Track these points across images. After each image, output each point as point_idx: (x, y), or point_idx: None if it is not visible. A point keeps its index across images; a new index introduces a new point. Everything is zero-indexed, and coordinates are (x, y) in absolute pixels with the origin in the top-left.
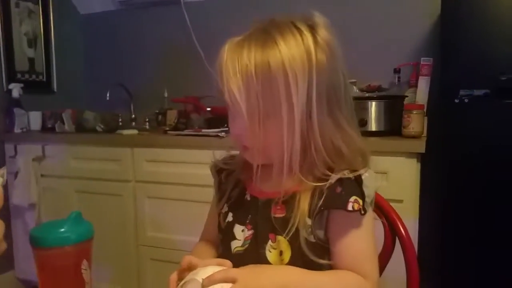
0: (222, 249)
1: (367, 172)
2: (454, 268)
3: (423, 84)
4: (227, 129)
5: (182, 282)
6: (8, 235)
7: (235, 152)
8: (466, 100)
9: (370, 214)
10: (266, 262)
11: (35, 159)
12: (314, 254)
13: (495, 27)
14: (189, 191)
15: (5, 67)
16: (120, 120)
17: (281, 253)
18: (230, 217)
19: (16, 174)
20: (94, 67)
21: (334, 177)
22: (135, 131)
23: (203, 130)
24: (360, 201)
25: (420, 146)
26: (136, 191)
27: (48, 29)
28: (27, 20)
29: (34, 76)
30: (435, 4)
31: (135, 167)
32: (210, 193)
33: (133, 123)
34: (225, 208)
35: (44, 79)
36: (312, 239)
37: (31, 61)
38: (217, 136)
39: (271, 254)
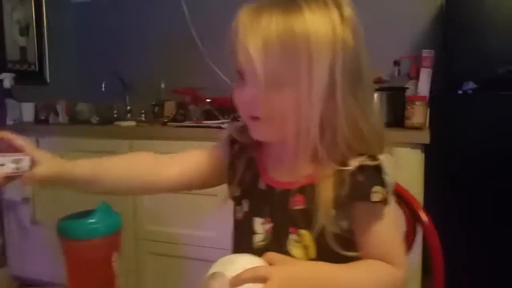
0: (241, 241)
1: (386, 158)
2: (459, 257)
3: (425, 76)
4: (228, 120)
5: (210, 272)
6: (1, 231)
7: None
8: (469, 92)
9: (392, 202)
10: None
11: None
12: (341, 247)
13: (500, 19)
14: None
15: None
16: (115, 111)
17: (305, 247)
18: (246, 207)
19: None
20: (88, 57)
21: (353, 163)
22: (133, 123)
23: (204, 122)
24: (382, 191)
25: (424, 137)
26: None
27: (40, 17)
28: (19, 7)
29: (26, 66)
30: None
31: None
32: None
33: (129, 115)
34: (237, 192)
35: (37, 69)
36: (337, 230)
37: (23, 50)
38: (219, 127)
39: (295, 250)
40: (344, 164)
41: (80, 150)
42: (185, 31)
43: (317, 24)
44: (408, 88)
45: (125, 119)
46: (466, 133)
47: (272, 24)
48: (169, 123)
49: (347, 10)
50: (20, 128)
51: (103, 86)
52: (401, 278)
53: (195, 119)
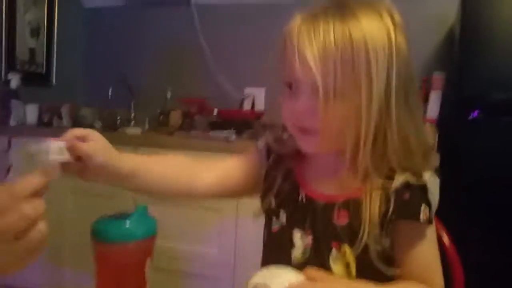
0: (277, 256)
1: (431, 177)
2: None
3: (435, 98)
4: (235, 131)
5: (252, 285)
6: None
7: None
8: (480, 117)
9: (434, 223)
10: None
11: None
12: (383, 263)
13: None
14: None
15: (5, 55)
16: (118, 118)
17: (347, 265)
18: (283, 218)
19: (8, 169)
20: (96, 62)
21: (398, 179)
22: (138, 130)
23: (211, 133)
24: (427, 210)
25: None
26: (137, 194)
27: (52, 19)
28: (32, 8)
29: (34, 67)
30: (444, 20)
31: None
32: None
33: (133, 122)
34: (273, 203)
35: (44, 71)
36: (378, 248)
37: (32, 51)
38: (227, 139)
39: (336, 266)
40: (389, 178)
41: None
42: (194, 40)
43: (374, 30)
44: None
45: (129, 126)
46: (475, 157)
47: (330, 33)
48: (175, 133)
49: (398, 18)
50: (22, 129)
51: (109, 91)
52: None
53: (201, 129)
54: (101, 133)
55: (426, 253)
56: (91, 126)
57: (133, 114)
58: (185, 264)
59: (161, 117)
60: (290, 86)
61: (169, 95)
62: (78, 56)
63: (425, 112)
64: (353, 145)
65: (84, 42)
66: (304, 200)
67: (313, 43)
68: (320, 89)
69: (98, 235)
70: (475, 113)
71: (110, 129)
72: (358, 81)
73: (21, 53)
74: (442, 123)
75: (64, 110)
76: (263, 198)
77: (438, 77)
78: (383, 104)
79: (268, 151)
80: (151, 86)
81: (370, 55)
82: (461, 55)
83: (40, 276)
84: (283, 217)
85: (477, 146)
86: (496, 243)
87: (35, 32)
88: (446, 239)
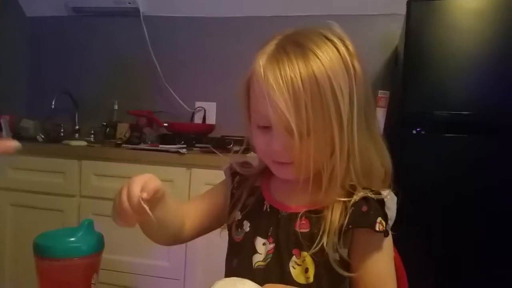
0: (239, 263)
1: (389, 194)
2: None
3: (380, 115)
4: (185, 146)
5: None
6: None
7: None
8: (423, 132)
9: (390, 237)
10: (291, 279)
11: None
12: (341, 268)
13: (452, 63)
14: None
15: None
16: (62, 130)
17: (306, 270)
18: (247, 228)
19: None
20: (39, 73)
21: (358, 194)
22: (83, 143)
23: (161, 146)
24: (384, 223)
25: None
26: (80, 207)
27: None
28: None
29: None
30: (389, 41)
31: (82, 181)
32: None
33: (77, 135)
34: (238, 216)
35: None
36: (336, 257)
37: None
38: (178, 152)
39: (295, 271)
40: (350, 194)
41: (24, 168)
42: (144, 53)
43: (334, 64)
44: None
45: (73, 139)
46: (419, 171)
47: (297, 77)
48: (123, 145)
49: (350, 43)
50: None
51: (53, 103)
52: None
53: (150, 142)
54: (45, 145)
55: (381, 264)
56: (33, 138)
57: (77, 127)
58: (135, 278)
59: (107, 129)
60: (262, 126)
61: (116, 107)
62: (19, 65)
63: None
64: (328, 170)
65: (26, 52)
66: (268, 209)
67: (282, 90)
68: (294, 130)
69: (41, 250)
70: (417, 130)
71: (54, 141)
72: (327, 115)
73: None
74: (386, 139)
75: (4, 121)
76: (229, 214)
77: (382, 96)
78: (348, 129)
79: (233, 173)
80: (97, 97)
81: (335, 87)
82: (404, 75)
83: None
84: (246, 226)
85: (417, 160)
86: (435, 255)
87: None
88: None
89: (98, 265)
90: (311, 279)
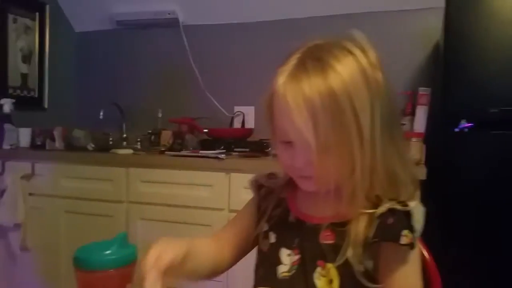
0: (264, 273)
1: (416, 205)
2: None
3: (421, 113)
4: (224, 151)
5: None
6: None
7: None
8: (465, 130)
9: (418, 247)
10: None
11: (23, 177)
12: (367, 280)
13: (495, 59)
14: (185, 213)
15: None
16: (110, 139)
17: (331, 281)
18: (273, 239)
19: (2, 192)
20: (87, 85)
21: (384, 206)
22: (130, 151)
23: (201, 152)
24: (410, 235)
25: (420, 173)
26: (128, 212)
27: (43, 45)
28: (23, 35)
29: (25, 92)
30: (429, 36)
31: (129, 187)
32: (205, 216)
33: (124, 143)
34: (265, 227)
35: (36, 95)
36: (361, 269)
37: (24, 76)
38: (217, 158)
39: (320, 282)
40: (376, 206)
41: (76, 177)
42: (184, 61)
43: (352, 77)
44: (404, 124)
45: (121, 147)
46: (461, 171)
47: (314, 92)
48: (166, 152)
49: (372, 53)
50: (16, 152)
51: (101, 113)
52: None
53: (191, 148)
54: (94, 154)
55: (409, 277)
56: (84, 148)
57: (125, 135)
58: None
59: (152, 137)
60: (284, 141)
61: (160, 115)
62: (69, 79)
63: (411, 126)
64: (350, 183)
65: (75, 66)
66: (294, 221)
67: (302, 109)
68: (314, 147)
69: (79, 263)
70: (464, 125)
71: (103, 150)
72: (347, 129)
73: (13, 79)
74: (429, 137)
75: (57, 133)
76: (256, 225)
77: (423, 93)
78: (370, 142)
79: (259, 186)
80: (142, 106)
81: (355, 102)
82: (445, 70)
83: None
84: (272, 237)
85: (462, 158)
86: (482, 255)
87: (27, 58)
88: (426, 255)
89: (132, 276)
90: None
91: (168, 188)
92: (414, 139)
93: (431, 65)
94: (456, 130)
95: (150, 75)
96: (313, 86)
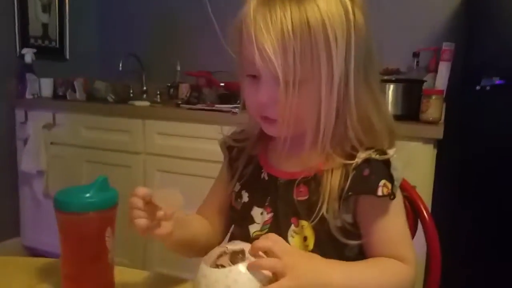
0: (238, 232)
1: (395, 153)
2: (465, 255)
3: (444, 69)
4: (239, 105)
5: (230, 249)
6: (15, 202)
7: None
8: (487, 88)
9: (399, 196)
10: None
11: (45, 126)
12: (343, 236)
13: None
14: (200, 166)
15: (19, 32)
16: (131, 91)
17: (305, 238)
18: (245, 198)
19: (25, 141)
20: (108, 36)
21: (360, 156)
22: (147, 103)
23: (216, 106)
24: (389, 185)
25: (438, 132)
26: (146, 164)
27: None
28: None
29: (47, 42)
30: None
31: (146, 139)
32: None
33: (144, 95)
34: (237, 187)
35: (57, 46)
36: (338, 223)
37: (45, 26)
38: (231, 111)
39: (294, 240)
40: (352, 157)
41: (96, 128)
42: (203, 15)
43: (330, 9)
44: (425, 81)
45: (141, 99)
46: (481, 131)
47: (287, 20)
48: (182, 105)
49: None
50: (38, 102)
51: (120, 65)
52: (412, 275)
53: (208, 102)
54: (112, 105)
55: (391, 229)
56: (104, 99)
57: (145, 88)
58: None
59: (171, 90)
60: (251, 75)
61: (178, 68)
62: (90, 30)
63: (434, 84)
64: (314, 128)
65: (96, 16)
66: (266, 178)
67: (271, 33)
68: (281, 80)
69: (59, 205)
70: (481, 85)
71: (122, 102)
72: (317, 66)
73: (34, 28)
74: (450, 95)
75: (78, 84)
76: (228, 186)
77: (447, 48)
78: (342, 84)
79: (229, 147)
80: (161, 59)
81: (329, 37)
82: (470, 24)
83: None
84: (245, 196)
85: (485, 116)
86: (496, 216)
87: (46, 8)
88: (425, 214)
89: (112, 220)
90: (310, 247)
91: (183, 141)
92: (434, 97)
93: (458, 19)
94: (478, 88)
95: (169, 27)
96: (286, 11)
